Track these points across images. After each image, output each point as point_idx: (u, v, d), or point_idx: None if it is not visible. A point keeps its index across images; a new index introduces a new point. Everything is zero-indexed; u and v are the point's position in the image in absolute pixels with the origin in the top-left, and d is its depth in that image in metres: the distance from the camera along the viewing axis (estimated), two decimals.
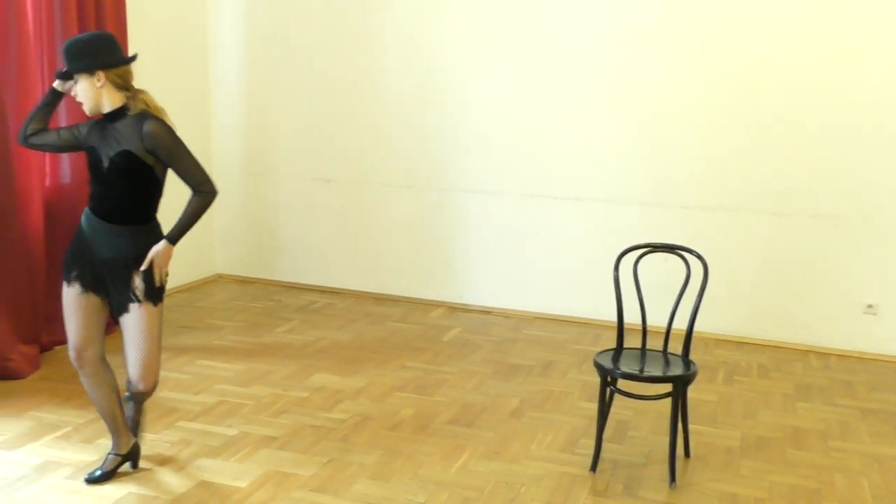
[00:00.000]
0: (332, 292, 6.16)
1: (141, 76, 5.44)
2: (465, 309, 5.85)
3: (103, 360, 3.30)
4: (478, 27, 5.58)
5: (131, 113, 3.06)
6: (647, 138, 5.34)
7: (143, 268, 3.10)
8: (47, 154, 4.81)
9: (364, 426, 3.91)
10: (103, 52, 3.02)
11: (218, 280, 6.44)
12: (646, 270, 3.79)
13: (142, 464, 3.45)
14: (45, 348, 4.67)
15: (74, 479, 3.32)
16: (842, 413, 4.26)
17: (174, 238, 3.15)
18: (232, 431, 3.80)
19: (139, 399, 3.40)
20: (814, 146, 5.02)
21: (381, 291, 6.12)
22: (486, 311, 5.82)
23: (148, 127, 3.02)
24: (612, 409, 3.80)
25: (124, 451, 3.38)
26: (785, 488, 3.44)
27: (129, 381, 3.33)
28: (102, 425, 3.74)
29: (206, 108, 6.27)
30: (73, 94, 3.08)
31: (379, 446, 3.70)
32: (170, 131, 3.06)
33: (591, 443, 3.63)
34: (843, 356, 5.10)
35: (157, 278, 3.13)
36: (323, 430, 3.84)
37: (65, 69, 3.06)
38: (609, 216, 5.47)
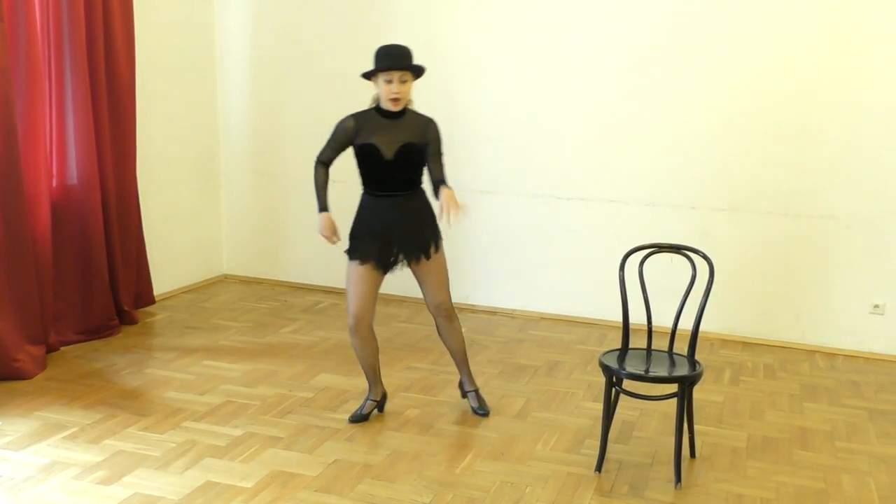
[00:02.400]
0: (338, 292, 6.15)
1: (148, 75, 5.51)
2: (472, 309, 5.85)
3: (371, 327, 3.90)
4: (487, 27, 5.58)
5: (409, 111, 3.77)
6: (655, 139, 5.33)
7: (444, 218, 3.67)
8: (54, 155, 4.83)
9: (369, 426, 3.91)
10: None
11: (224, 280, 6.45)
12: (652, 271, 3.79)
13: (147, 465, 3.47)
14: (51, 349, 4.68)
15: (80, 480, 3.33)
16: (849, 414, 4.24)
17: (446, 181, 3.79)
18: (237, 432, 3.80)
19: (444, 317, 3.96)
20: (824, 147, 5.01)
21: (387, 292, 6.03)
22: (492, 312, 5.81)
23: (434, 126, 3.83)
24: (618, 410, 3.80)
25: (378, 397, 4.01)
26: (792, 489, 3.43)
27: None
28: (109, 425, 3.81)
29: (212, 108, 6.28)
30: (393, 88, 3.62)
31: (384, 447, 3.70)
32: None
33: (597, 443, 3.63)
34: (850, 356, 5.08)
35: (453, 219, 3.63)
36: (328, 431, 3.84)
37: (398, 65, 3.61)
38: (617, 217, 5.46)
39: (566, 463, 3.59)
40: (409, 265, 3.87)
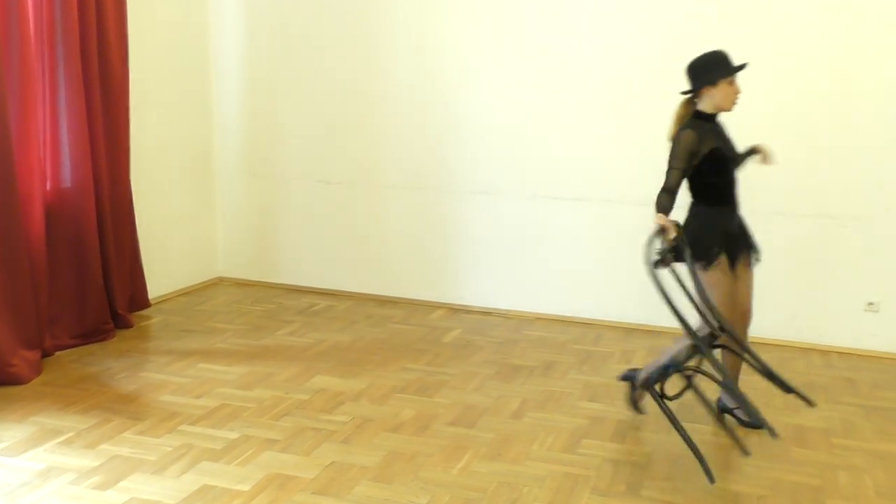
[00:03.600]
0: (333, 294, 6.16)
1: (142, 76, 5.50)
2: (467, 310, 5.85)
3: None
4: (483, 28, 5.58)
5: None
6: (650, 139, 5.31)
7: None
8: (47, 158, 4.82)
9: (365, 428, 3.91)
10: (704, 72, 3.75)
11: (219, 283, 6.44)
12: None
13: (144, 469, 3.47)
14: (46, 353, 4.67)
15: (77, 485, 3.32)
16: (845, 411, 4.25)
17: None
18: (233, 435, 3.79)
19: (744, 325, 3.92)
20: (820, 146, 5.01)
21: (382, 293, 6.12)
22: (486, 312, 5.81)
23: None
24: (611, 410, 3.79)
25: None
26: (788, 486, 3.43)
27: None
28: (104, 430, 3.84)
29: (207, 109, 6.27)
30: (738, 87, 3.76)
31: (380, 448, 3.70)
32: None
33: (593, 442, 3.65)
34: (845, 354, 5.09)
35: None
36: (324, 433, 3.84)
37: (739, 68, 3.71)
38: (613, 217, 5.45)
39: (563, 463, 3.60)
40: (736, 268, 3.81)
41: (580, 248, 5.57)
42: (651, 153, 5.31)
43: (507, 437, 3.85)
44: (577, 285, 5.64)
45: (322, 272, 6.24)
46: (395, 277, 6.08)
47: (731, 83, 3.70)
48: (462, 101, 5.69)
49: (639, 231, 5.29)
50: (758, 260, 3.92)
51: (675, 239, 3.57)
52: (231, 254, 6.49)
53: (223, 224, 6.46)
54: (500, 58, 5.56)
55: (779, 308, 5.23)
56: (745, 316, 3.90)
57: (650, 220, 5.31)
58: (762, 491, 3.39)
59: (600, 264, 5.52)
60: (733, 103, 3.74)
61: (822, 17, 4.91)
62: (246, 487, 3.32)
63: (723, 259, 3.74)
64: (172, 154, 5.97)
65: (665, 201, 3.67)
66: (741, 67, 3.68)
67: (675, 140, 3.70)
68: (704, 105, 3.74)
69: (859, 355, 5.08)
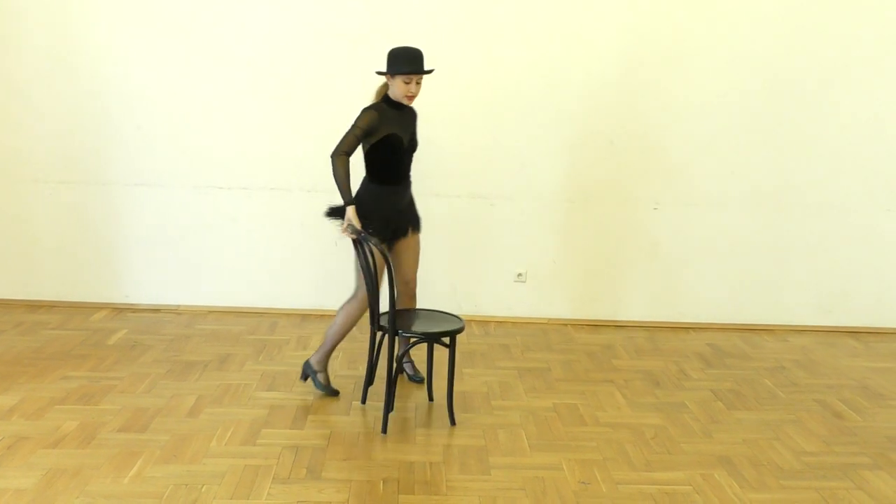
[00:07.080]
0: None
1: None
2: (133, 309, 5.52)
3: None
4: (135, 9, 5.24)
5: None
6: (315, 125, 5.37)
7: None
8: None
9: (19, 448, 3.53)
10: (390, 61, 3.90)
11: None
12: None
13: None
14: None
15: None
16: (502, 374, 4.65)
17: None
18: None
19: (411, 295, 4.29)
20: (471, 132, 5.40)
21: (33, 298, 5.56)
22: (155, 310, 5.53)
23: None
24: (291, 397, 3.80)
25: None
26: (457, 450, 3.68)
27: None
28: None
29: None
30: (412, 89, 3.91)
31: (38, 467, 3.36)
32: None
33: (273, 431, 3.64)
34: (500, 322, 5.57)
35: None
36: None
37: (420, 70, 3.90)
38: (280, 204, 5.44)
39: (242, 456, 3.54)
40: (398, 240, 4.08)
41: (249, 237, 5.50)
42: (316, 140, 5.39)
43: (183, 436, 3.70)
44: (249, 275, 5.56)
45: None
46: (47, 279, 5.55)
47: (407, 82, 3.87)
48: (117, 90, 5.30)
49: (307, 217, 5.36)
50: (417, 230, 4.19)
51: (357, 231, 3.78)
52: None
53: None
54: (155, 42, 5.26)
55: (439, 282, 5.58)
56: (408, 284, 4.21)
57: (319, 205, 5.42)
58: (434, 458, 3.60)
59: (271, 252, 5.49)
60: (407, 98, 3.91)
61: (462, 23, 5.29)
62: None
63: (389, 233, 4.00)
64: None
65: (342, 167, 3.79)
66: (416, 70, 3.85)
67: (361, 114, 3.85)
68: (391, 92, 3.93)
69: (512, 322, 5.59)
